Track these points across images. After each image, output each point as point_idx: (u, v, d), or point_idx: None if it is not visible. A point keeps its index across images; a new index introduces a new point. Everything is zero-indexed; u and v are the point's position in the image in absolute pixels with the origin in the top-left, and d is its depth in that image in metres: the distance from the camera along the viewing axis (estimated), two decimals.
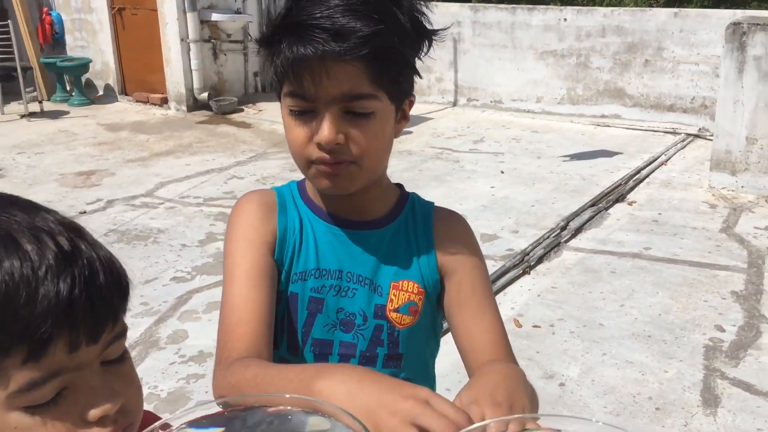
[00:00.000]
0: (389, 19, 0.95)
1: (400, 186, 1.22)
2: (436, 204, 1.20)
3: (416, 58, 1.04)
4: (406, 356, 1.14)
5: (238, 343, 1.00)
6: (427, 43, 1.03)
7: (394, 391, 0.76)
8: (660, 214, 4.66)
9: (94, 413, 0.63)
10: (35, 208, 0.65)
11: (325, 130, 0.96)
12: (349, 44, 0.91)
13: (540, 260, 4.02)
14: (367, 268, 1.12)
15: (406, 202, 1.18)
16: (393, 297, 1.11)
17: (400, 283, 1.11)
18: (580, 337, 3.20)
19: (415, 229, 1.15)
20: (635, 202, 4.91)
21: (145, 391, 2.77)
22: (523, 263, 3.95)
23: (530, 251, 4.09)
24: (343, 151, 0.99)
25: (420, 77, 1.07)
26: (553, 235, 4.32)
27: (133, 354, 3.02)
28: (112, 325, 0.65)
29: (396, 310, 1.11)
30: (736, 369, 2.95)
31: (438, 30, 1.04)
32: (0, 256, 0.59)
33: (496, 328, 1.11)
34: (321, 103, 0.96)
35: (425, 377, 1.19)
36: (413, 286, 1.12)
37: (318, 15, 0.92)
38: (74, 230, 0.65)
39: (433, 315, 1.15)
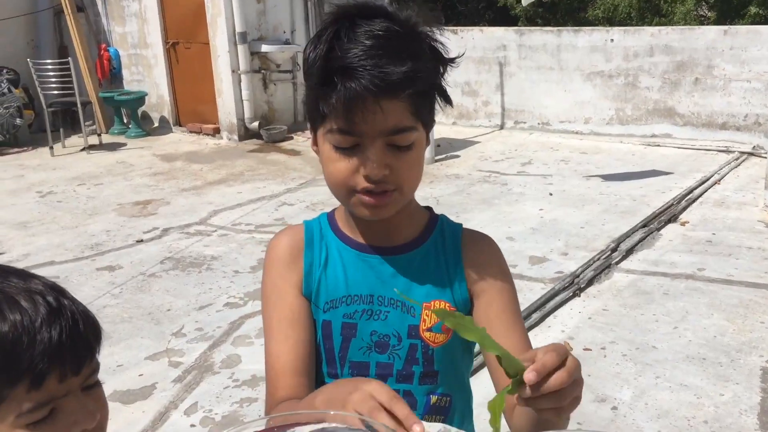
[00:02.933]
0: (423, 54, 1.03)
1: (429, 209, 1.26)
2: (465, 226, 1.24)
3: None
4: (441, 373, 1.18)
5: (282, 392, 1.10)
6: (442, 69, 1.09)
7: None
8: (714, 234, 4.57)
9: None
10: (27, 275, 0.86)
11: (374, 163, 1.02)
12: (396, 82, 0.98)
13: (590, 282, 3.99)
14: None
15: (435, 224, 1.22)
16: (426, 317, 1.15)
17: (432, 303, 1.15)
18: (633, 360, 3.16)
19: (444, 251, 1.19)
20: (688, 222, 4.83)
21: (200, 414, 2.84)
22: (573, 285, 3.92)
23: (580, 273, 4.06)
24: (387, 181, 1.05)
25: (452, 105, 1.13)
26: (603, 256, 4.28)
27: (188, 378, 3.12)
28: (90, 360, 0.86)
29: (429, 330, 1.15)
30: None
31: (454, 58, 1.10)
32: (5, 313, 0.80)
33: (524, 346, 1.14)
34: (367, 138, 1.02)
35: (461, 391, 1.23)
36: (445, 305, 1.16)
37: (363, 55, 0.98)
38: (59, 291, 0.86)
39: None
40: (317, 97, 1.03)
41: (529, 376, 0.78)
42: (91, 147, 7.97)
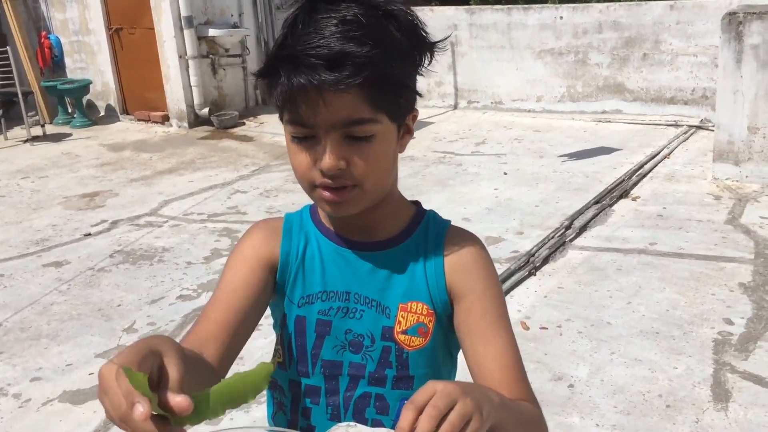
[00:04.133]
0: (386, 40, 0.95)
1: (417, 203, 1.20)
2: (451, 223, 1.17)
3: (417, 73, 1.04)
4: (417, 378, 1.12)
5: (192, 338, 1.02)
6: (428, 55, 1.03)
7: None
8: (664, 208, 4.63)
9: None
10: None
11: (326, 157, 0.96)
12: (343, 73, 0.91)
13: (545, 261, 4.01)
14: (374, 290, 1.11)
15: (421, 220, 1.15)
16: (401, 319, 1.10)
17: (409, 304, 1.10)
18: (588, 336, 3.19)
19: (425, 250, 1.12)
20: (639, 197, 4.89)
21: None
22: (529, 264, 3.94)
23: (535, 252, 4.08)
24: (344, 176, 0.98)
25: (420, 95, 1.07)
26: (557, 234, 4.31)
27: None
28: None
29: (404, 332, 1.10)
30: (746, 362, 2.92)
31: (437, 41, 1.04)
32: None
33: (508, 354, 1.07)
34: (321, 130, 0.96)
35: None
36: (422, 308, 1.10)
37: (314, 44, 0.92)
38: None
39: (446, 336, 1.13)
40: (265, 88, 0.99)
41: None
42: (35, 138, 7.72)
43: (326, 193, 1.00)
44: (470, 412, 0.76)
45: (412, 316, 1.10)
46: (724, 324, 3.21)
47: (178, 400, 0.69)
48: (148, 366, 0.71)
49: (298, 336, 1.12)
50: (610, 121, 6.99)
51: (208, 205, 5.30)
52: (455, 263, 1.12)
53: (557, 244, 4.19)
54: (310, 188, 1.02)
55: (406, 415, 0.75)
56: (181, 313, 3.61)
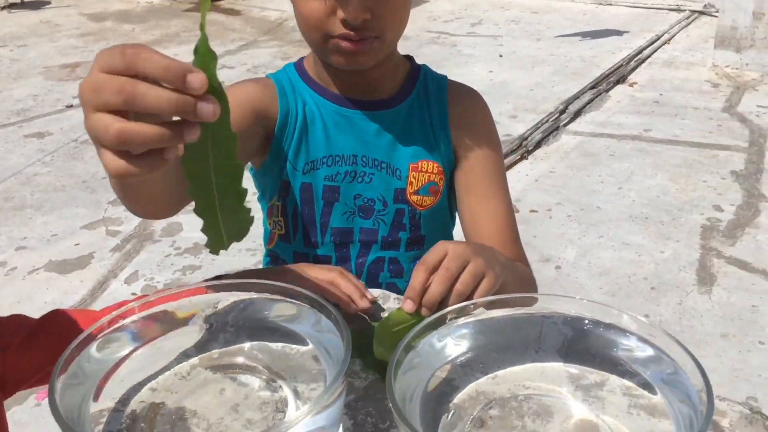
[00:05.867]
0: None
1: (410, 58, 1.14)
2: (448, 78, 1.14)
3: None
4: (428, 238, 1.11)
5: None
6: None
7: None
8: (661, 95, 4.54)
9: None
10: None
11: (352, 7, 0.90)
12: None
13: (538, 145, 3.95)
14: (382, 152, 1.06)
15: (417, 76, 1.11)
16: (413, 179, 1.07)
17: (419, 164, 1.07)
18: (578, 220, 3.18)
19: (429, 106, 1.09)
20: (636, 83, 4.78)
21: (141, 283, 2.78)
22: (521, 148, 3.89)
23: (528, 136, 4.02)
24: (367, 27, 0.93)
25: None
26: (551, 119, 4.23)
27: (127, 247, 3.02)
28: None
29: (416, 193, 1.07)
30: (733, 248, 2.94)
31: None
32: None
33: (503, 215, 1.08)
34: None
35: None
36: (433, 166, 1.07)
37: None
38: None
39: (449, 195, 1.12)
40: None
41: (406, 307, 0.72)
42: (12, 6, 7.38)
43: (345, 44, 0.94)
44: (482, 271, 0.75)
45: (423, 176, 1.07)
46: (714, 210, 3.21)
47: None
48: None
49: (305, 205, 1.07)
50: (611, 4, 6.76)
51: None
52: (460, 119, 1.09)
53: (551, 128, 4.12)
54: (323, 39, 0.95)
55: (418, 276, 0.73)
56: None
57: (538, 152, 3.89)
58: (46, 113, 4.55)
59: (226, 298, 0.72)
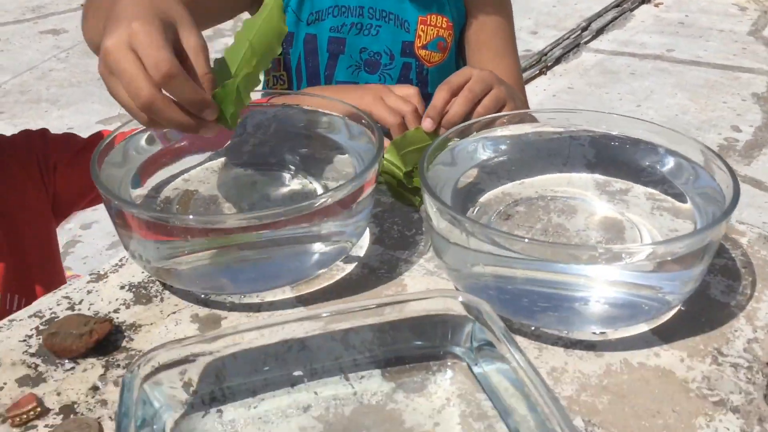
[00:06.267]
0: None
1: None
2: None
3: None
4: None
5: None
6: None
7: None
8: (687, 16, 4.44)
9: None
10: None
11: None
12: None
13: (558, 61, 3.89)
14: (391, 2, 1.03)
15: None
16: (421, 33, 1.04)
17: (429, 17, 1.04)
18: None
19: None
20: (662, 3, 4.67)
21: None
22: (540, 63, 3.83)
23: (548, 52, 3.95)
24: None
25: None
26: (573, 36, 4.15)
27: None
28: None
29: (424, 47, 1.05)
30: (749, 167, 2.92)
31: None
32: None
33: (514, 73, 1.07)
34: None
35: None
36: (443, 21, 1.04)
37: None
38: None
39: (458, 54, 1.10)
40: None
41: (425, 125, 0.72)
42: None
43: None
44: (504, 99, 0.74)
45: (432, 30, 1.05)
46: (732, 131, 3.18)
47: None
48: (170, 45, 0.54)
49: (309, 56, 1.05)
50: None
51: None
52: None
53: (571, 45, 4.05)
54: None
55: (441, 95, 0.73)
56: None
57: (558, 68, 3.84)
58: (62, 11, 4.49)
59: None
